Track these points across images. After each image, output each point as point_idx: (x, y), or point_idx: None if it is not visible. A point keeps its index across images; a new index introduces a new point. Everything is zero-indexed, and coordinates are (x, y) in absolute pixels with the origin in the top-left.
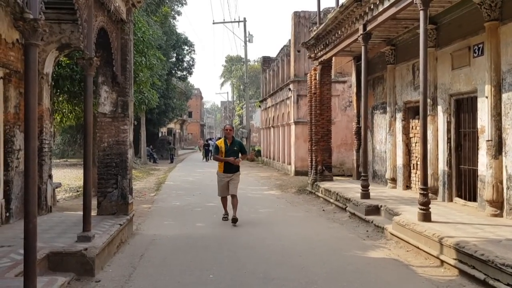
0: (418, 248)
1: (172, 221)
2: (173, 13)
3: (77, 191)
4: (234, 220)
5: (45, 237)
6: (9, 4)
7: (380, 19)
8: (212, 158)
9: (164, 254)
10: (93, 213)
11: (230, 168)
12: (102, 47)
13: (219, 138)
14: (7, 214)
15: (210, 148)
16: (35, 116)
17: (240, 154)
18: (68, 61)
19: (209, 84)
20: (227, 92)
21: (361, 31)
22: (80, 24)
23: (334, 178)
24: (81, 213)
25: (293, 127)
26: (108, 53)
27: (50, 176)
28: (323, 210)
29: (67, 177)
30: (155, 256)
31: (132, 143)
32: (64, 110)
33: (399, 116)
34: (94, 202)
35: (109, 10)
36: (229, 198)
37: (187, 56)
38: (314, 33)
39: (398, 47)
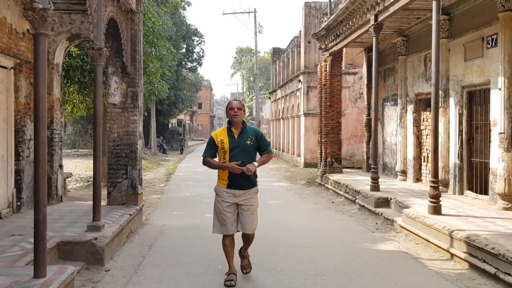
0: (428, 241)
1: (181, 211)
2: (183, 3)
3: (88, 181)
4: (245, 268)
5: (56, 227)
6: None
7: (392, 9)
8: (203, 161)
9: (173, 244)
10: (103, 203)
11: (241, 181)
12: (112, 38)
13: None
14: (18, 203)
15: None
16: (45, 106)
17: (257, 155)
18: (78, 52)
19: (219, 75)
20: (237, 84)
21: (372, 22)
22: (89, 14)
23: (344, 170)
24: (91, 203)
25: (302, 118)
26: (118, 44)
27: (60, 166)
28: (332, 202)
29: (77, 167)
30: (164, 246)
31: (142, 134)
32: (74, 101)
33: (410, 108)
34: (104, 192)
35: (118, 0)
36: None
37: (197, 47)
38: (325, 24)
39: (410, 38)
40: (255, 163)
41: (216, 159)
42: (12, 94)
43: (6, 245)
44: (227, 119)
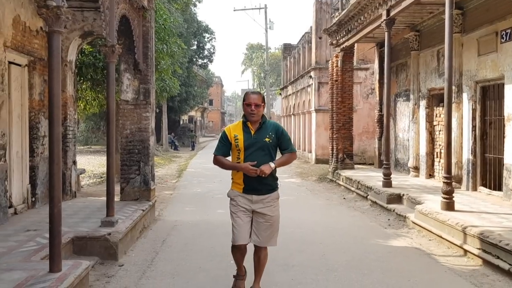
0: (440, 237)
1: (193, 207)
2: (193, 0)
3: (101, 177)
4: None
5: (70, 222)
6: None
7: (404, 4)
8: (213, 160)
9: (186, 240)
10: (116, 198)
11: (257, 184)
12: (124, 35)
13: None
14: (33, 199)
15: None
16: (59, 103)
17: (275, 154)
18: (91, 49)
19: (230, 72)
20: (248, 80)
21: (384, 17)
22: (102, 11)
23: (355, 166)
24: (105, 198)
25: (314, 114)
26: (130, 41)
27: (74, 162)
28: (344, 198)
29: (90, 164)
30: (177, 242)
31: (154, 130)
32: (87, 98)
33: (422, 103)
34: (117, 188)
35: None
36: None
37: (207, 44)
38: (336, 19)
39: (423, 33)
40: (272, 164)
41: (230, 159)
42: (26, 91)
43: (21, 240)
44: (244, 113)
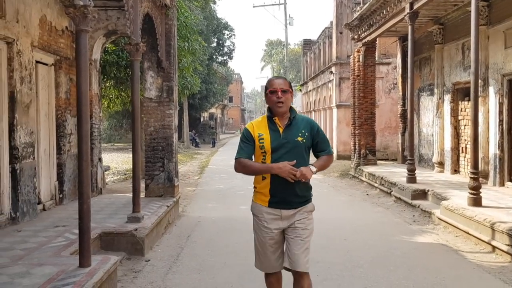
0: (468, 233)
1: (216, 203)
2: None
3: (124, 174)
4: None
5: (97, 218)
6: None
7: None
8: (236, 166)
9: (210, 236)
10: (141, 195)
11: (288, 195)
12: (147, 33)
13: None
14: (61, 196)
15: None
16: (87, 101)
17: (308, 158)
18: (114, 48)
19: (249, 68)
20: (267, 76)
21: (407, 10)
22: (126, 10)
23: (378, 162)
24: (130, 195)
25: (335, 110)
26: (153, 39)
27: (100, 160)
28: (367, 194)
29: (114, 161)
30: (201, 237)
31: (177, 127)
32: (111, 96)
33: (447, 97)
34: (141, 185)
35: None
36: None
37: (227, 41)
38: (358, 13)
39: (447, 26)
40: (313, 168)
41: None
42: (53, 90)
43: (51, 235)
44: (268, 105)
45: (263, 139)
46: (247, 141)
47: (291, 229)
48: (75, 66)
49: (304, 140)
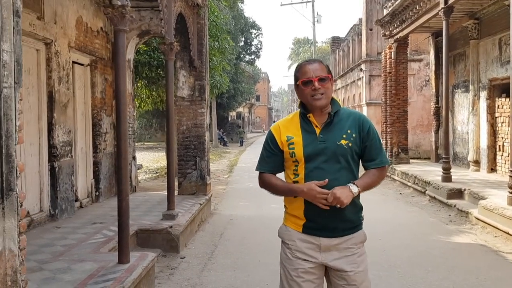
0: (508, 233)
1: (247, 202)
2: None
3: (156, 173)
4: None
5: (133, 215)
6: None
7: None
8: (259, 181)
9: (242, 234)
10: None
11: (329, 219)
12: (179, 33)
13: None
14: (97, 193)
15: None
16: (125, 100)
17: (357, 167)
18: (145, 48)
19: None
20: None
21: (442, 5)
22: (160, 9)
23: (410, 161)
24: (163, 193)
25: (365, 108)
26: (185, 38)
27: (134, 158)
28: (400, 193)
29: (145, 159)
30: (234, 235)
31: (209, 126)
32: (142, 95)
33: (483, 94)
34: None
35: None
36: None
37: (255, 40)
38: (390, 9)
39: (482, 21)
40: (353, 188)
41: (282, 176)
42: (89, 90)
43: (89, 232)
44: (300, 99)
45: (293, 143)
46: (270, 149)
47: (337, 273)
48: (113, 66)
49: (350, 144)
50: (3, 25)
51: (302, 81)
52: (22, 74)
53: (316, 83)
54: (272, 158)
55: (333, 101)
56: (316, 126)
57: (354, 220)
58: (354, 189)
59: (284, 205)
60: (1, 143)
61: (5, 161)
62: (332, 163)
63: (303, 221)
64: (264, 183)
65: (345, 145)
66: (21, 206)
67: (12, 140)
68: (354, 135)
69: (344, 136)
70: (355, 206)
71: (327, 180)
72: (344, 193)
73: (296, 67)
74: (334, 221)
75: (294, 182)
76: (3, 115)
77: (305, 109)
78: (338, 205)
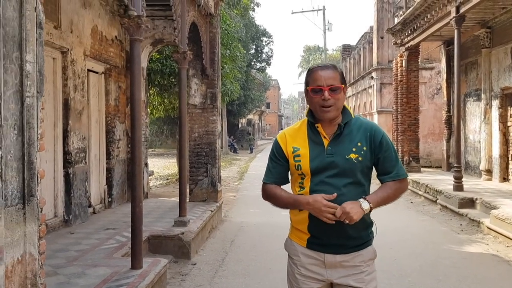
0: None
1: (257, 209)
2: (252, 5)
3: (167, 179)
4: None
5: (145, 221)
6: (108, 3)
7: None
8: (263, 194)
9: (253, 241)
10: None
11: (335, 234)
12: (192, 41)
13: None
14: (109, 200)
15: None
16: (140, 107)
17: (368, 182)
18: (158, 56)
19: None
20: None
21: (453, 14)
22: (174, 19)
23: (422, 169)
24: (174, 199)
25: (376, 116)
26: (198, 47)
27: (146, 165)
28: (411, 202)
29: (156, 166)
30: (245, 242)
31: (220, 134)
32: (154, 103)
33: (495, 103)
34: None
35: (199, 4)
36: None
37: (265, 48)
38: (401, 18)
39: (494, 30)
40: (364, 204)
41: (288, 188)
42: (103, 97)
43: (102, 238)
44: (308, 104)
45: (299, 155)
46: (276, 160)
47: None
48: (127, 73)
49: (360, 158)
50: (26, 36)
51: (311, 88)
52: (44, 84)
53: (326, 93)
54: (277, 168)
55: (344, 110)
56: (325, 137)
57: (362, 235)
58: (365, 205)
59: (290, 218)
60: (24, 151)
61: (27, 168)
62: (340, 177)
63: (307, 236)
64: (267, 195)
65: (355, 159)
66: (41, 211)
67: (34, 147)
68: (364, 148)
69: (354, 149)
70: (364, 222)
71: (335, 194)
72: (354, 208)
73: (308, 71)
74: (339, 238)
75: (299, 195)
76: (25, 124)
77: (313, 118)
78: (347, 221)
